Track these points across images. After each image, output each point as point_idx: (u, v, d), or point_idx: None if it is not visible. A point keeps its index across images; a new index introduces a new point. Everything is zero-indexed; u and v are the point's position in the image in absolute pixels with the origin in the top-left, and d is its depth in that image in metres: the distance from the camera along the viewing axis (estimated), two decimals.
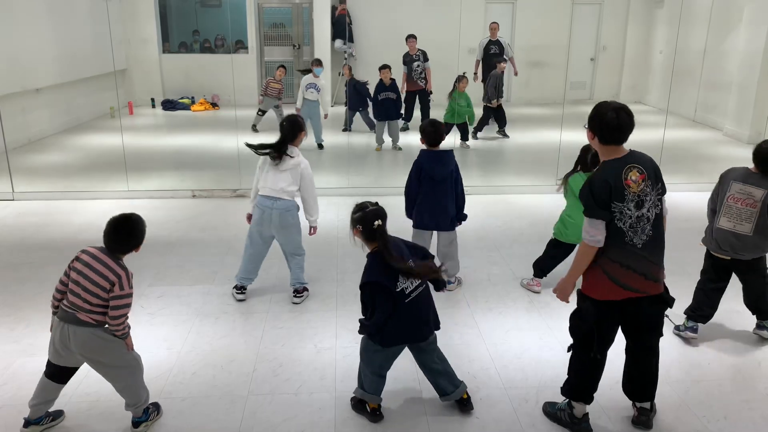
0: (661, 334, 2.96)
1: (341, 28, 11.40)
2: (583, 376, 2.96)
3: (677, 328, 3.84)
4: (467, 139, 8.94)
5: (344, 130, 9.69)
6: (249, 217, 4.32)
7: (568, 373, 3.03)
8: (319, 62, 8.84)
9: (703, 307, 3.74)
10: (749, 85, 9.44)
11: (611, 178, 2.68)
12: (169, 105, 11.72)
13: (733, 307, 4.01)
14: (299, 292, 4.33)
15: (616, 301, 2.79)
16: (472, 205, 4.32)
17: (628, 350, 3.02)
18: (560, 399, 3.09)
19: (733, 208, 3.54)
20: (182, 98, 11.91)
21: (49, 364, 2.90)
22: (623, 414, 3.10)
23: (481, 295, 4.42)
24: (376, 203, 2.97)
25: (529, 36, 12.14)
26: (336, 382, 3.36)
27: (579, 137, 4.50)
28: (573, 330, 2.97)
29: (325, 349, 3.69)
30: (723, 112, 10.18)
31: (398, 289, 2.88)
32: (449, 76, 8.73)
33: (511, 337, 3.85)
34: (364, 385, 3.10)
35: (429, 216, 4.28)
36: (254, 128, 9.42)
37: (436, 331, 3.09)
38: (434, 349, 3.09)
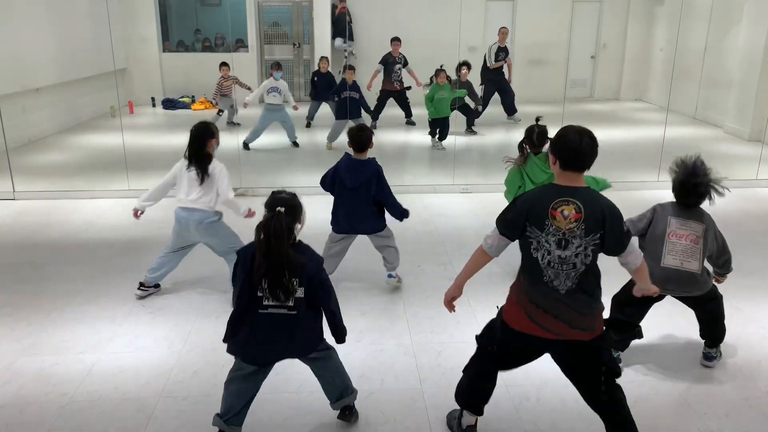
0: (615, 386, 2.60)
1: (341, 26, 11.40)
2: (474, 384, 2.84)
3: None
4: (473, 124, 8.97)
5: (308, 125, 9.80)
6: (135, 213, 4.20)
7: (461, 379, 2.89)
8: (278, 66, 8.82)
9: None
10: (750, 83, 9.43)
11: (537, 200, 2.50)
12: (170, 104, 11.72)
13: (733, 304, 4.02)
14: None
15: (534, 335, 2.57)
16: (472, 203, 4.30)
17: (591, 405, 2.67)
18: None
19: None
20: (182, 97, 11.91)
21: None
22: None
23: (483, 293, 4.41)
24: (294, 194, 2.70)
25: (529, 34, 12.14)
26: None
27: None
28: (481, 339, 2.80)
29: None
30: (723, 110, 10.17)
31: (259, 294, 2.64)
32: (449, 75, 8.75)
33: None
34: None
35: (345, 221, 4.29)
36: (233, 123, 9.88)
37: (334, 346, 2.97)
38: (315, 361, 2.95)
